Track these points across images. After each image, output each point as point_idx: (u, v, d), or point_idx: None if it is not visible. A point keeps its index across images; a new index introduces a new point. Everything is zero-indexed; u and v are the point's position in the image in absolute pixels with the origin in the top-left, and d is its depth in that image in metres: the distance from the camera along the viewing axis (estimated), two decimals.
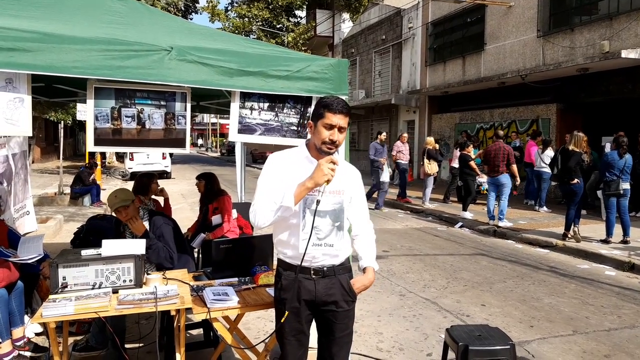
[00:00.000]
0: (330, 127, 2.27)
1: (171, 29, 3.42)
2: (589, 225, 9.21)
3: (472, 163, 10.78)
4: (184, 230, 4.88)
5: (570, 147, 8.08)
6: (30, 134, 2.85)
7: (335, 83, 3.38)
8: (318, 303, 2.40)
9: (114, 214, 3.80)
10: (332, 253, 2.38)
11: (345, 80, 3.45)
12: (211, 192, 5.39)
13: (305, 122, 3.32)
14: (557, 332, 4.62)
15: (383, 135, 12.59)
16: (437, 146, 12.83)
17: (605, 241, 7.88)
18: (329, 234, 2.35)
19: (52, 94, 4.95)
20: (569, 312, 5.15)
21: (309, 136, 2.46)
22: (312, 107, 2.43)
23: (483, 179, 12.05)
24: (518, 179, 9.83)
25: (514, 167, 9.57)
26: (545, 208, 11.24)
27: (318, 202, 2.24)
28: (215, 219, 5.29)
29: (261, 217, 2.27)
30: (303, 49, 26.14)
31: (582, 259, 7.50)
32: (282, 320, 2.37)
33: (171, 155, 23.08)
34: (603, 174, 7.93)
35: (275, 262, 2.67)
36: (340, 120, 2.28)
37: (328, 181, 2.22)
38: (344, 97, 3.44)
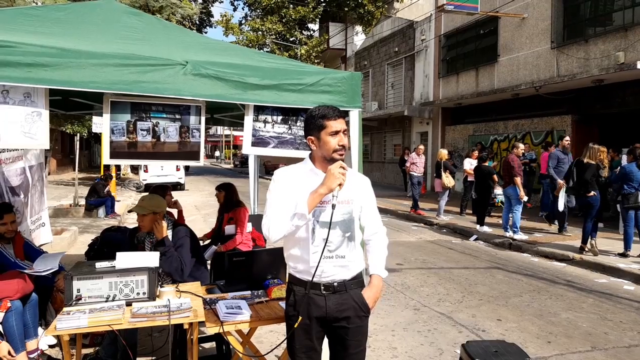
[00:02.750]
0: (336, 133, 2.29)
1: (186, 44, 3.46)
2: (607, 239, 9.05)
3: (496, 177, 10.69)
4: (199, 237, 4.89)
5: (585, 160, 8.00)
6: (48, 147, 2.89)
7: (349, 96, 3.39)
8: (329, 319, 2.36)
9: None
10: (343, 264, 2.34)
11: (358, 93, 3.46)
12: (230, 203, 5.41)
13: None
14: (575, 348, 4.52)
15: (566, 141, 9.80)
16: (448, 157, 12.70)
17: (623, 255, 7.74)
18: (339, 245, 2.33)
19: (69, 107, 5.03)
20: (587, 328, 5.04)
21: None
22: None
23: (498, 190, 11.93)
24: (521, 192, 9.47)
25: (517, 179, 9.38)
26: None
27: (334, 206, 2.22)
28: (229, 229, 5.30)
29: (275, 229, 2.25)
30: (316, 61, 26.28)
31: (600, 272, 7.36)
32: (294, 326, 2.34)
33: (187, 168, 23.28)
34: (621, 187, 7.81)
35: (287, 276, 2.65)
36: (341, 124, 2.31)
37: (340, 185, 2.22)
38: (357, 110, 3.46)
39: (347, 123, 3.53)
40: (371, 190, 2.54)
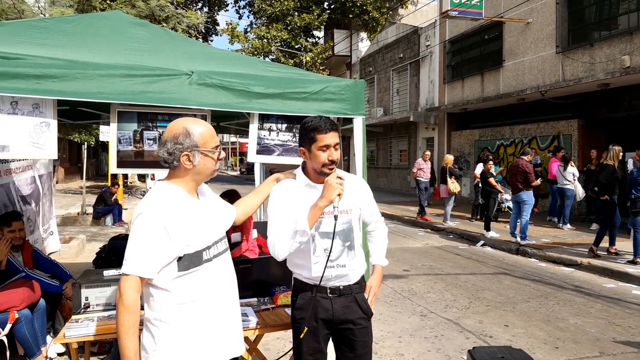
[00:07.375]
0: (326, 147, 2.28)
1: (191, 54, 3.50)
2: (616, 243, 8.97)
3: (492, 180, 10.65)
4: None
5: (606, 162, 7.97)
6: (56, 157, 2.93)
7: (352, 103, 3.40)
8: (335, 322, 2.40)
9: None
10: (344, 273, 2.39)
11: (362, 101, 3.48)
12: None
13: None
14: (583, 354, 4.50)
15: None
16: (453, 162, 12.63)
17: (632, 262, 7.63)
18: (340, 255, 2.36)
19: (76, 117, 5.07)
20: (595, 333, 5.01)
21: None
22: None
23: (506, 195, 11.88)
24: (535, 182, 9.53)
25: (534, 184, 9.42)
26: (569, 225, 11.03)
27: (336, 217, 2.27)
28: (235, 236, 5.30)
29: (279, 248, 2.31)
30: (321, 68, 26.37)
31: (608, 277, 7.32)
32: (301, 337, 2.37)
33: None
34: (629, 191, 7.77)
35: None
36: (333, 138, 2.28)
37: (340, 195, 2.25)
38: (361, 117, 3.48)
39: (351, 130, 3.56)
40: (369, 190, 2.60)
